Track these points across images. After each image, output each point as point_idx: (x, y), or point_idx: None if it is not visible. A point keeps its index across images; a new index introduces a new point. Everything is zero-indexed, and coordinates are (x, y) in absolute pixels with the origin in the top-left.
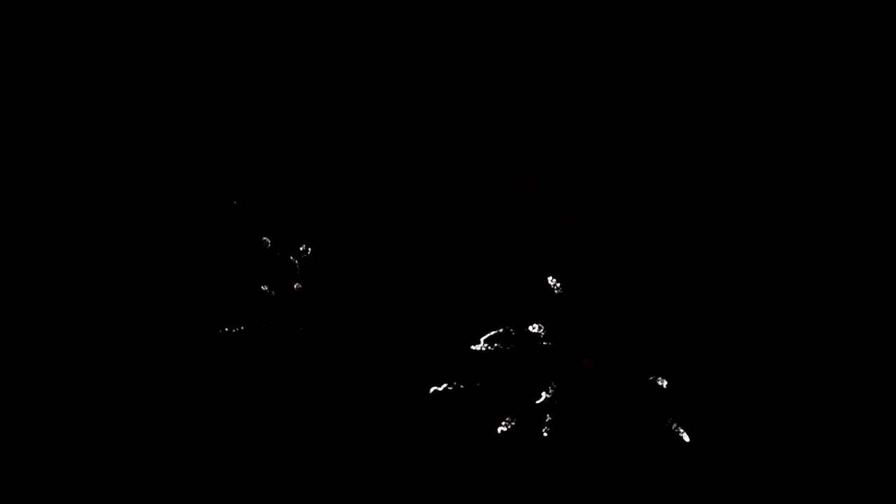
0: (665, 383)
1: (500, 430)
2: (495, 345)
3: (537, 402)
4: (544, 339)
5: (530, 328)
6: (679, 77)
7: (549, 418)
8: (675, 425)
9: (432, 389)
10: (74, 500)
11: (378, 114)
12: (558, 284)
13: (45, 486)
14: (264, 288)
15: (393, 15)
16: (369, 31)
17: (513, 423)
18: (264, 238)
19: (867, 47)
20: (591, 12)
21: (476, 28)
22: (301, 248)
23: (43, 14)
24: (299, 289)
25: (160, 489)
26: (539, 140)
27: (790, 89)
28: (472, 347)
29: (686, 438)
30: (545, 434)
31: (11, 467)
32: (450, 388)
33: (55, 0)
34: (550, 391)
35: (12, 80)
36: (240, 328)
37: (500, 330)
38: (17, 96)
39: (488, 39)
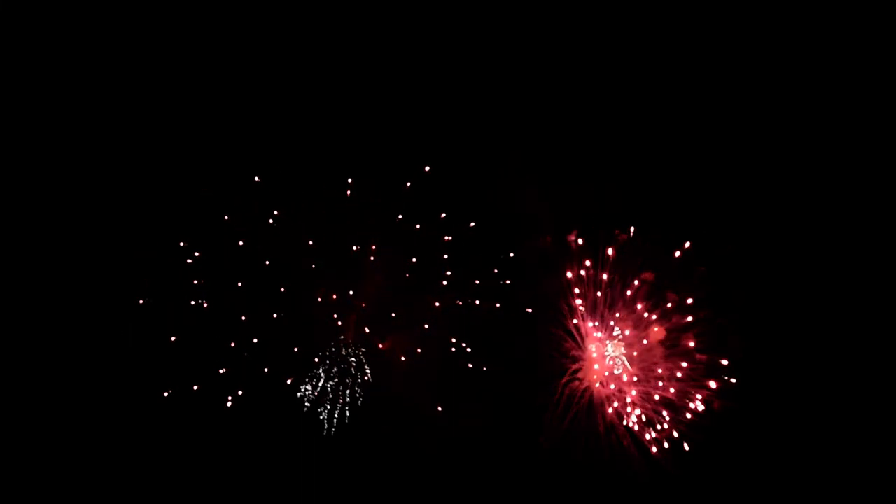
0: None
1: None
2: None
3: (539, 402)
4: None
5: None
6: (680, 80)
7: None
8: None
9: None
10: (75, 497)
11: (378, 115)
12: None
13: (45, 482)
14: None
15: (394, 17)
16: (370, 33)
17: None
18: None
19: (867, 49)
20: (591, 15)
21: (476, 31)
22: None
23: (44, 15)
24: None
25: (159, 486)
26: (539, 140)
27: (789, 92)
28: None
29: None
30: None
31: (11, 464)
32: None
33: (56, 1)
34: (557, 392)
35: (13, 81)
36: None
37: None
38: (18, 98)
39: (489, 42)
